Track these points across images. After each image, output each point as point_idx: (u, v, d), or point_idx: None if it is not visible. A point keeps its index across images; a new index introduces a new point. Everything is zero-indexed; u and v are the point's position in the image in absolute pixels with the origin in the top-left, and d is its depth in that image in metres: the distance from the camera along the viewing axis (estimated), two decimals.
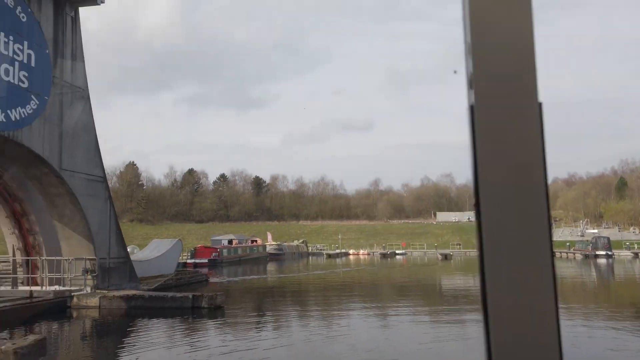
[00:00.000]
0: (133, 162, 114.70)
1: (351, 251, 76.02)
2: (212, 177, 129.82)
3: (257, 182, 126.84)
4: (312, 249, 78.90)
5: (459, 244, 77.56)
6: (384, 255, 66.17)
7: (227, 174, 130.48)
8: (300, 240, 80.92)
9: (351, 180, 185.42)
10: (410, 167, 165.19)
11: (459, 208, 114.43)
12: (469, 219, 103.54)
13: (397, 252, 72.41)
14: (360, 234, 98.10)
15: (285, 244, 73.40)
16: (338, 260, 58.96)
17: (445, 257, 58.63)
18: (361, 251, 76.20)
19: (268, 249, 65.97)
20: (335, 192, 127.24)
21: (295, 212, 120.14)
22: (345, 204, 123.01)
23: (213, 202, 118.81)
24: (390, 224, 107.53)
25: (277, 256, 63.67)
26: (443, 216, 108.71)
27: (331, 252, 71.36)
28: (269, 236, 78.54)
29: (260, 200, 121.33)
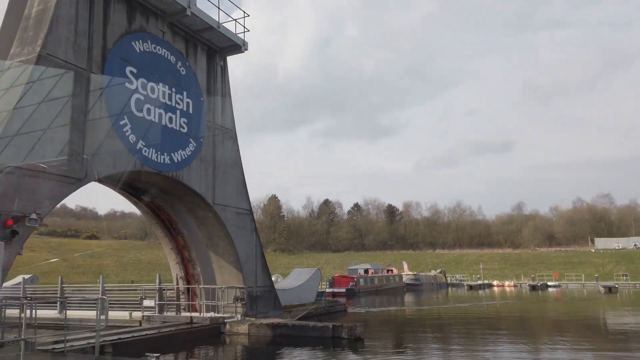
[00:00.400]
0: (275, 195, 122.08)
1: (495, 282, 70.78)
2: (347, 206, 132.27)
3: (390, 210, 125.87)
4: (451, 280, 75.20)
5: (625, 275, 67.80)
6: (533, 288, 60.36)
7: (361, 202, 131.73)
8: (438, 270, 77.73)
9: (490, 204, 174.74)
10: (558, 188, 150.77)
11: (622, 233, 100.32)
12: (635, 245, 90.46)
13: (549, 283, 65.55)
14: (504, 264, 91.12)
15: (422, 273, 71.10)
16: (481, 292, 55.22)
17: (610, 289, 51.42)
18: (507, 282, 70.53)
19: (404, 279, 64.45)
20: (473, 218, 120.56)
21: (430, 240, 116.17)
22: (485, 230, 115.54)
23: (348, 232, 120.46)
24: (538, 252, 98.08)
25: (414, 286, 61.87)
26: (603, 242, 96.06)
27: (472, 283, 67.19)
28: (405, 266, 76.86)
29: (394, 229, 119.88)
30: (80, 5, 14.07)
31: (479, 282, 67.72)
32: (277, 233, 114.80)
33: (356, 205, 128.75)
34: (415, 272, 70.41)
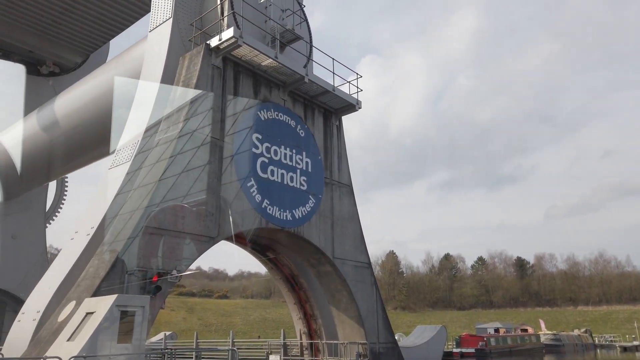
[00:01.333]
0: (392, 251, 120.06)
1: None
2: (469, 260, 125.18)
3: (520, 264, 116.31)
4: (599, 340, 66.17)
5: None
6: None
7: (485, 256, 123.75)
8: (583, 330, 68.99)
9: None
10: None
11: None
12: None
13: None
14: None
15: (562, 333, 63.65)
16: (638, 354, 47.72)
17: None
18: None
19: (542, 338, 58.18)
20: (620, 270, 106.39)
21: (570, 296, 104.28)
22: (637, 283, 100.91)
23: (473, 287, 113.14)
24: None
25: (554, 347, 55.47)
26: None
27: (627, 344, 58.45)
28: (542, 324, 69.56)
29: (526, 284, 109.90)
30: (214, 84, 16.03)
31: (635, 342, 58.71)
32: (397, 290, 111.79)
33: (480, 259, 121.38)
34: (554, 332, 63.32)
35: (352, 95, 21.02)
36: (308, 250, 18.83)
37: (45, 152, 23.82)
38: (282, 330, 20.66)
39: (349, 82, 21.34)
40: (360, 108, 21.16)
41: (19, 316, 13.46)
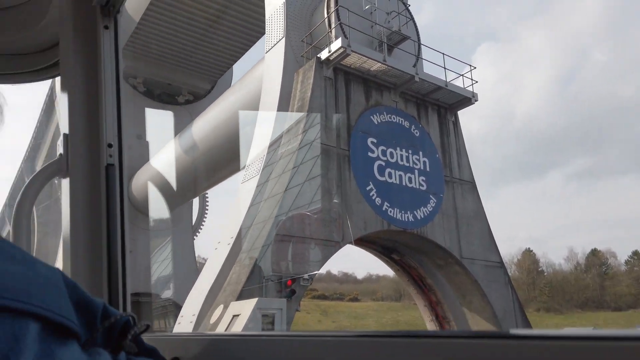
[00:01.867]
0: (529, 248, 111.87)
1: None
2: (622, 255, 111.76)
3: None
4: None
5: None
6: None
7: None
8: None
9: None
10: None
11: None
12: None
13: None
14: None
15: None
16: None
17: None
18: None
19: None
20: None
21: None
22: None
23: (630, 285, 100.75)
24: None
25: None
26: None
27: None
28: None
29: None
30: (327, 95, 16.78)
31: None
32: (538, 290, 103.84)
33: (636, 254, 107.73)
34: None
35: (467, 88, 20.40)
36: (434, 251, 18.63)
37: (190, 172, 26.80)
38: None
39: (462, 75, 20.74)
40: (476, 101, 20.44)
41: (179, 319, 15.36)
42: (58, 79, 1.58)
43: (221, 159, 24.03)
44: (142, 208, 29.92)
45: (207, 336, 1.12)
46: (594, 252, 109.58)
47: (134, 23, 28.76)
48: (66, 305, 0.66)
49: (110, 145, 1.39)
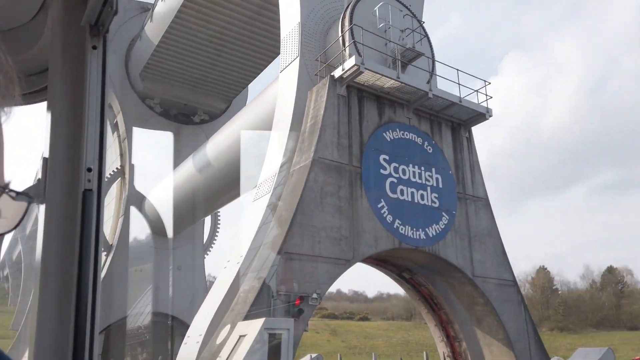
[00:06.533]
0: (543, 266, 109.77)
1: None
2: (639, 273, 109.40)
3: None
4: None
5: None
6: None
7: None
8: None
9: None
10: None
11: None
12: None
13: None
14: None
15: None
16: None
17: None
18: None
19: None
20: None
21: None
22: None
23: None
24: None
25: None
26: None
27: None
28: None
29: None
30: (340, 112, 16.74)
31: None
32: (552, 309, 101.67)
33: None
34: None
35: (481, 104, 20.22)
36: (445, 269, 18.29)
37: (202, 190, 26.84)
38: (424, 353, 20.20)
39: (477, 90, 20.59)
40: (490, 116, 20.23)
41: (185, 339, 15.19)
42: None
43: (234, 178, 24.06)
44: (155, 228, 30.00)
45: None
46: (610, 270, 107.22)
47: (152, 45, 29.21)
48: None
49: (89, 170, 1.29)
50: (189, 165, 27.45)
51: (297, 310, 13.13)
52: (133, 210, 29.78)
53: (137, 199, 30.03)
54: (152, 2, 29.44)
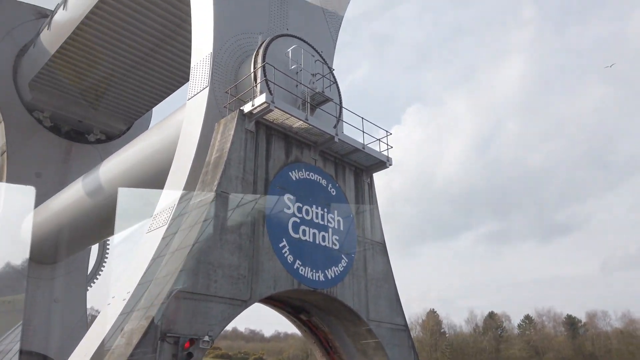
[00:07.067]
0: (433, 309, 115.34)
1: None
2: (516, 319, 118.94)
3: (571, 322, 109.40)
4: None
5: None
6: None
7: (532, 314, 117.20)
8: None
9: None
10: None
11: None
12: None
13: None
14: None
15: None
16: None
17: None
18: None
19: None
20: None
21: (628, 357, 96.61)
22: None
23: (522, 349, 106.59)
24: None
25: None
26: None
27: None
28: None
29: (579, 344, 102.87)
30: (248, 148, 16.55)
31: None
32: (440, 352, 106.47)
33: (527, 318, 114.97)
34: None
35: (383, 152, 21.17)
36: (342, 312, 18.39)
37: (90, 216, 24.77)
38: None
39: (379, 139, 21.54)
40: (390, 165, 21.22)
41: None
42: None
43: None
44: (33, 254, 27.05)
45: None
46: (491, 315, 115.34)
47: (47, 55, 27.13)
48: None
49: None
50: (78, 187, 25.31)
51: (186, 354, 12.30)
52: (6, 232, 26.70)
53: (11, 220, 26.98)
54: (52, 9, 27.63)
